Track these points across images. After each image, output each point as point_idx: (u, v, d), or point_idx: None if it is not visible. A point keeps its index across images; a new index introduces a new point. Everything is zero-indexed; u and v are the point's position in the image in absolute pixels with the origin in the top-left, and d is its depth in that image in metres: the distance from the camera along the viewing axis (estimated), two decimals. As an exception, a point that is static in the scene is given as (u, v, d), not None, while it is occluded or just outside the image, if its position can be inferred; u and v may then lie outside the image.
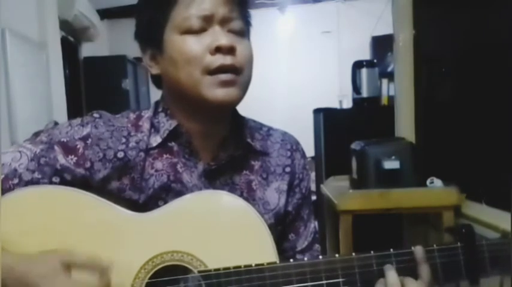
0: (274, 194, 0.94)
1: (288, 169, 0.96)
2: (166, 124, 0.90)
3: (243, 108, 0.98)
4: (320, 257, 0.83)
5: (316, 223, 1.04)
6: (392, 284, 0.79)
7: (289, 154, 0.97)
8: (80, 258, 0.76)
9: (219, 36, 0.84)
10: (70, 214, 0.83)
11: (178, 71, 0.85)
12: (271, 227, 0.88)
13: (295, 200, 0.97)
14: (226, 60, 0.83)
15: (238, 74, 0.85)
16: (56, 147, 0.86)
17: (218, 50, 0.83)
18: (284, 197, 0.95)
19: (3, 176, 0.84)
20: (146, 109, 0.94)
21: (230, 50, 0.84)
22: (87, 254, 0.76)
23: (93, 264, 0.76)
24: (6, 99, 2.31)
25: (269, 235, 0.84)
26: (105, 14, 4.78)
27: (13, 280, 0.74)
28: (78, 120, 0.90)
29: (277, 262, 0.82)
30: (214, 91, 0.83)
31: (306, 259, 0.83)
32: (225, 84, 0.84)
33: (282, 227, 0.96)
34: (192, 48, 0.84)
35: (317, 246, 1.01)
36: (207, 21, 0.84)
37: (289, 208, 0.96)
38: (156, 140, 0.89)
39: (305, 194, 0.99)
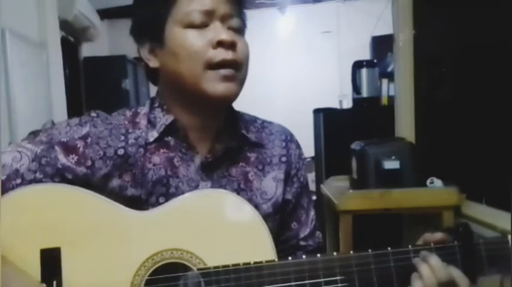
0: (271, 184, 0.95)
1: (283, 159, 0.98)
2: (163, 119, 0.91)
3: (243, 108, 0.99)
4: (318, 255, 0.83)
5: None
6: (437, 268, 0.79)
7: (284, 144, 0.99)
8: None
9: (220, 31, 0.86)
10: (71, 212, 0.84)
11: (180, 64, 0.86)
12: (269, 216, 0.90)
13: (294, 189, 0.99)
14: (228, 55, 0.85)
15: (238, 70, 0.87)
16: (56, 147, 0.87)
17: (220, 44, 0.85)
18: (281, 186, 0.96)
19: (5, 176, 0.84)
20: (142, 106, 0.95)
21: (231, 45, 0.86)
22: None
23: None
24: (6, 99, 2.30)
25: (268, 234, 0.84)
26: (105, 14, 4.77)
27: None
28: (76, 120, 0.91)
29: (276, 260, 0.82)
30: (215, 86, 0.85)
31: (304, 256, 0.83)
32: (226, 79, 0.86)
33: (280, 216, 0.97)
34: (194, 42, 0.85)
35: (318, 233, 1.02)
36: (209, 16, 0.86)
37: (289, 197, 0.98)
38: (153, 135, 0.90)
39: (303, 183, 1.01)
